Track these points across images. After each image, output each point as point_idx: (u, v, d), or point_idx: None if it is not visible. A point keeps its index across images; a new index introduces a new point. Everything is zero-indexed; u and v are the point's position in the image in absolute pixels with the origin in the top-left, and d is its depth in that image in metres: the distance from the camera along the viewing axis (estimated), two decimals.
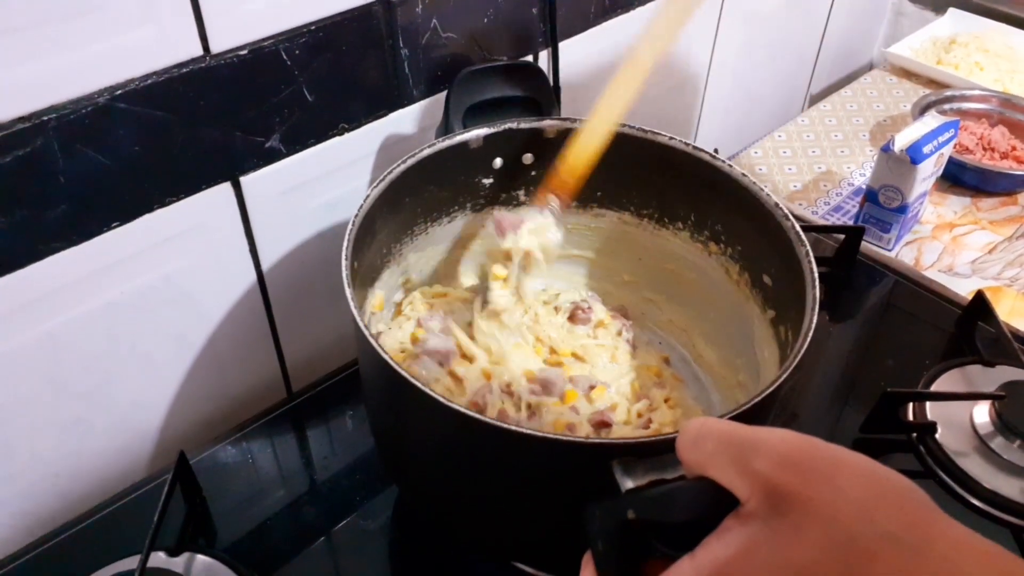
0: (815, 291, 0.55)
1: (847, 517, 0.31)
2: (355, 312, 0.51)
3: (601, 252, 0.77)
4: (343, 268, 0.54)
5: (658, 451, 0.40)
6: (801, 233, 0.59)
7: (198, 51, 0.59)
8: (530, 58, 0.85)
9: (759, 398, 0.48)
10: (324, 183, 0.73)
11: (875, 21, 1.52)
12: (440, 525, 0.63)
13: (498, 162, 0.69)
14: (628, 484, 0.39)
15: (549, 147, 0.68)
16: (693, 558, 0.33)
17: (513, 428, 0.46)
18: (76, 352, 0.64)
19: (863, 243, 0.89)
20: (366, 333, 0.50)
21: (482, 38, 0.78)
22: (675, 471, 0.38)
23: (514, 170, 0.70)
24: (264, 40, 0.62)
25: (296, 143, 0.68)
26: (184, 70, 0.58)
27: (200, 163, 0.63)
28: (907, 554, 0.30)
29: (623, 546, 0.37)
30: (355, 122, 0.72)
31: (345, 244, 0.56)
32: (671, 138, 0.66)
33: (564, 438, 0.49)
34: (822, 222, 1.05)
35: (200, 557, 0.61)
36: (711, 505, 0.34)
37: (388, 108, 0.74)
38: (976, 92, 1.21)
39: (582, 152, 0.63)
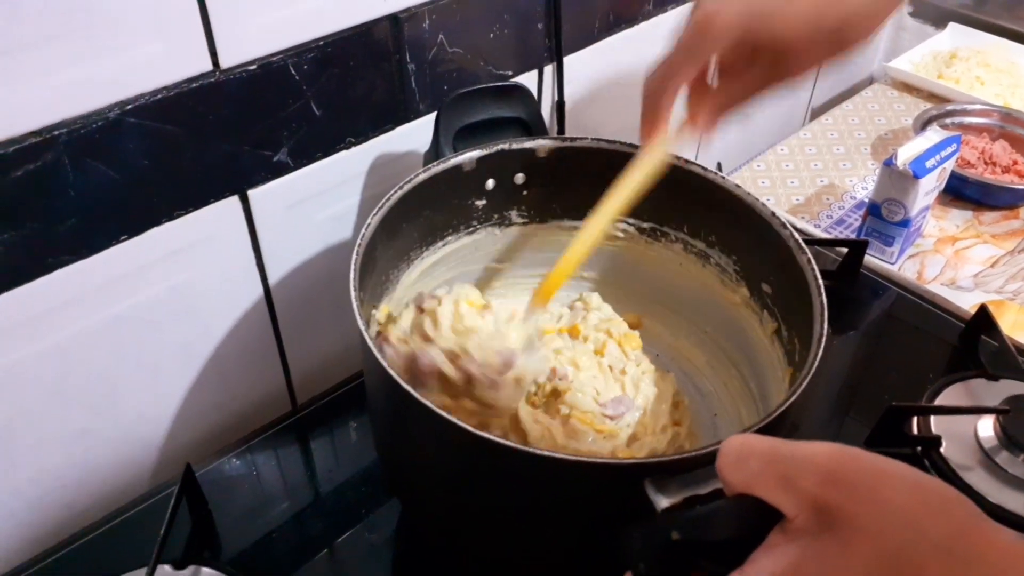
0: (822, 299, 0.55)
1: (894, 529, 0.31)
2: (368, 340, 0.51)
3: (592, 267, 0.78)
4: (352, 300, 0.53)
5: (689, 467, 0.40)
6: (801, 242, 0.59)
7: (208, 66, 0.59)
8: (535, 73, 0.85)
9: (776, 413, 0.47)
10: (331, 196, 0.73)
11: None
12: (446, 544, 0.63)
13: (491, 183, 0.69)
14: (663, 503, 0.39)
15: (541, 166, 0.69)
16: (743, 574, 0.34)
17: (539, 451, 0.45)
18: (83, 364, 0.64)
19: (866, 256, 0.89)
20: (376, 353, 0.50)
21: (488, 53, 0.78)
22: (708, 485, 0.38)
23: (506, 191, 0.71)
24: (273, 55, 0.62)
25: (304, 157, 0.69)
26: (194, 85, 0.59)
27: (208, 177, 0.64)
28: (957, 564, 0.30)
29: (667, 566, 0.37)
30: (362, 136, 0.72)
31: (352, 275, 0.55)
32: None
33: (595, 460, 0.47)
34: (825, 236, 1.05)
35: (205, 570, 0.61)
36: (755, 522, 0.35)
37: (395, 122, 0.74)
38: (977, 106, 1.22)
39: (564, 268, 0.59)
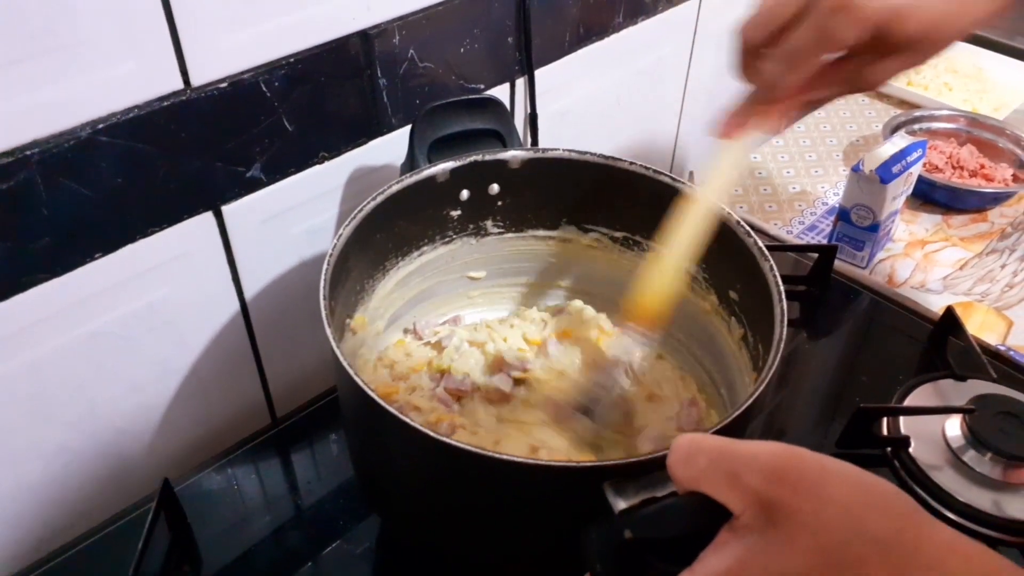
0: (782, 304, 0.56)
1: (836, 525, 0.32)
2: (336, 350, 0.51)
3: (566, 275, 0.79)
4: (322, 308, 0.54)
5: (647, 470, 0.41)
6: (764, 248, 0.60)
7: (179, 84, 0.60)
8: (507, 86, 0.87)
9: (736, 414, 0.48)
10: (305, 211, 0.74)
11: None
12: (426, 552, 0.63)
13: (465, 194, 0.70)
14: (621, 504, 0.40)
15: (514, 177, 0.70)
16: (692, 572, 0.35)
17: (502, 456, 0.46)
18: (60, 381, 0.64)
19: (838, 261, 0.91)
20: (345, 365, 0.50)
21: (459, 67, 0.79)
22: (665, 488, 0.39)
23: (481, 201, 0.72)
24: (244, 72, 0.63)
25: (277, 172, 0.70)
26: (165, 103, 0.60)
27: (182, 194, 0.64)
28: (896, 558, 0.31)
29: (622, 565, 0.38)
30: (335, 151, 0.73)
31: (322, 285, 0.56)
32: (631, 163, 0.68)
33: (555, 464, 0.48)
34: (797, 241, 1.07)
35: None
36: (705, 519, 0.35)
37: (367, 137, 0.75)
38: (945, 112, 1.24)
39: (657, 284, 0.59)
